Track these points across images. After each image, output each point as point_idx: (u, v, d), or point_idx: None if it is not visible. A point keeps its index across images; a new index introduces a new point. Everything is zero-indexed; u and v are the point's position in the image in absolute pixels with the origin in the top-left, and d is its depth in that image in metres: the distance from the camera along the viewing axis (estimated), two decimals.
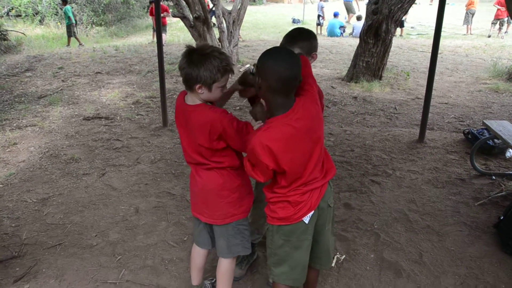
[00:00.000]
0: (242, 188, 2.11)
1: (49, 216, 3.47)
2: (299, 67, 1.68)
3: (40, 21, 17.06)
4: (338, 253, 2.90)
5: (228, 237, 2.17)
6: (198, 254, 2.35)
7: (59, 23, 16.62)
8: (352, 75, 7.90)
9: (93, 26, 17.90)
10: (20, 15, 17.59)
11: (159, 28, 5.46)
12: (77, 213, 3.52)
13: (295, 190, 1.81)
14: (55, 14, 17.28)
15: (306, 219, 1.85)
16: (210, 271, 2.66)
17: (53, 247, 3.06)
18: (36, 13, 17.16)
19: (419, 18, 20.43)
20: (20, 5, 17.36)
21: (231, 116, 1.92)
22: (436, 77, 8.28)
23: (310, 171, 1.79)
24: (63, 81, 8.34)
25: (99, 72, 9.26)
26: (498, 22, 15.34)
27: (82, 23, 17.21)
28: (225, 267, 2.24)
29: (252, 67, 2.06)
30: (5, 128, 5.62)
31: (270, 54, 1.68)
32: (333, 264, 2.78)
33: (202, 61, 1.85)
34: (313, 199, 1.84)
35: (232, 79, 2.11)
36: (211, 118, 1.88)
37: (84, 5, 18.18)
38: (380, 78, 7.79)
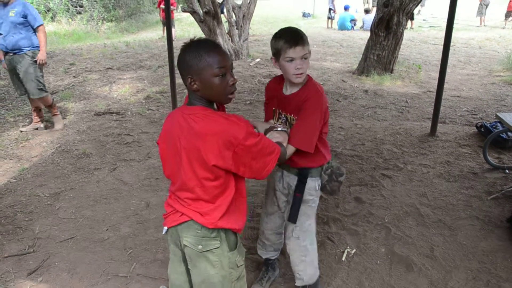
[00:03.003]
0: None
1: (61, 210, 3.51)
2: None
3: (51, 18, 17.20)
4: (348, 247, 2.89)
5: None
6: None
7: (70, 20, 16.74)
8: (363, 69, 7.83)
9: (104, 22, 17.99)
10: None
11: (169, 23, 5.47)
12: (88, 207, 3.55)
13: (169, 194, 1.73)
14: (66, 11, 17.40)
15: (164, 230, 1.72)
16: None
17: (65, 241, 3.10)
18: (48, 10, 17.29)
19: (431, 10, 20.15)
20: (32, 2, 17.52)
21: None
22: (448, 70, 8.16)
23: (178, 184, 1.64)
24: (74, 77, 8.41)
25: (110, 68, 9.32)
26: (511, 13, 15.09)
27: (92, 19, 17.31)
28: None
29: (286, 130, 1.99)
30: (18, 124, 5.70)
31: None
32: (343, 258, 2.77)
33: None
34: (172, 219, 1.67)
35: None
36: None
37: (95, 1, 18.27)
38: (392, 71, 7.71)
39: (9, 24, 4.69)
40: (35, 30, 4.90)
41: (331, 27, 16.84)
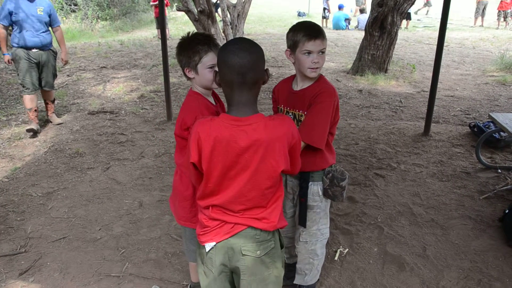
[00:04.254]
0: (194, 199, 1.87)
1: (53, 210, 3.49)
2: (251, 57, 1.43)
3: None
4: (341, 246, 2.90)
5: (186, 240, 2.17)
6: None
7: (64, 18, 16.65)
8: (358, 68, 7.85)
9: (98, 20, 17.91)
10: None
11: (163, 21, 5.47)
12: (81, 207, 3.54)
13: (206, 208, 1.58)
14: (60, 9, 17.30)
15: (208, 247, 1.59)
16: None
17: (57, 241, 3.08)
18: None
19: (425, 11, 20.23)
20: None
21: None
22: (442, 70, 8.20)
23: (227, 196, 1.52)
24: (68, 75, 8.36)
25: (104, 67, 9.28)
26: (502, 13, 15.18)
27: (87, 18, 17.22)
28: (192, 269, 2.24)
29: None
30: (11, 122, 5.66)
31: (225, 44, 1.51)
32: (336, 258, 2.78)
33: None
34: (221, 232, 1.56)
35: None
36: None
37: None
38: (386, 71, 7.74)
39: (37, 21, 4.88)
40: (51, 29, 5.21)
41: (326, 26, 16.85)
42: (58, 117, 5.68)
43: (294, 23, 2.00)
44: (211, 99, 1.98)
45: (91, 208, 3.51)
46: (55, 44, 5.32)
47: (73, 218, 3.38)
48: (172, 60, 9.39)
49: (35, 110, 5.22)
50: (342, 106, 6.14)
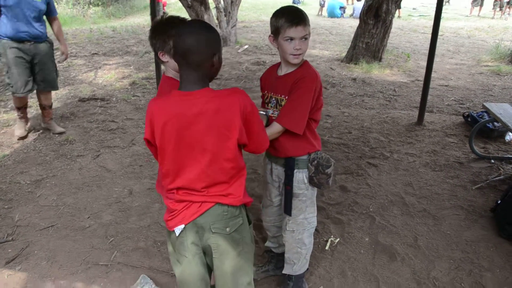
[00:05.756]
0: None
1: (42, 198, 3.44)
2: (195, 40, 1.46)
3: None
4: (332, 236, 2.88)
5: None
6: None
7: (56, 3, 16.35)
8: (352, 57, 7.79)
9: (90, 6, 17.64)
10: None
11: (154, 8, 5.35)
12: (70, 194, 3.48)
13: (171, 192, 1.60)
14: None
15: (177, 230, 1.61)
16: None
17: (45, 229, 3.03)
18: None
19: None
20: None
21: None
22: (436, 59, 8.17)
23: (187, 175, 1.54)
24: (59, 62, 8.20)
25: (95, 53, 9.16)
26: (498, 3, 15.13)
27: (79, 3, 16.95)
28: None
29: (264, 113, 1.99)
30: (0, 109, 5.56)
31: (183, 26, 1.56)
32: (327, 247, 2.76)
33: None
34: (189, 213, 1.58)
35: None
36: None
37: None
38: (380, 60, 7.69)
39: (34, 10, 4.16)
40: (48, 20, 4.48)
41: (321, 14, 16.72)
42: (54, 125, 4.78)
43: (277, 8, 1.95)
44: None
45: (80, 196, 3.46)
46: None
47: (61, 206, 3.32)
48: None
49: (25, 108, 4.56)
50: (335, 95, 6.10)
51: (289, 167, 2.01)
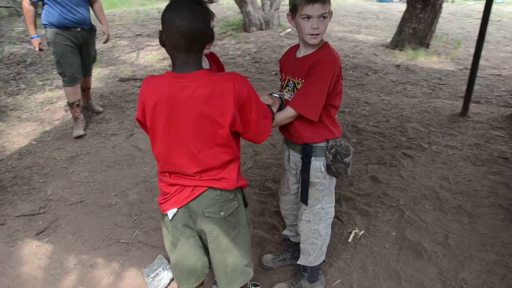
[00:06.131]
0: None
1: (74, 174, 3.54)
2: (200, 21, 1.41)
3: None
4: (357, 228, 2.77)
5: None
6: None
7: None
8: (397, 42, 7.44)
9: None
10: None
11: None
12: (101, 172, 3.57)
13: (164, 175, 1.59)
14: None
15: (170, 214, 1.59)
16: None
17: (74, 204, 3.13)
18: None
19: None
20: None
21: None
22: (489, 47, 7.67)
23: (179, 159, 1.51)
24: (104, 42, 8.42)
25: (139, 35, 9.30)
26: None
27: None
28: None
29: (278, 95, 1.91)
30: (45, 87, 5.79)
31: (171, 7, 1.45)
32: (350, 240, 2.66)
33: None
34: (181, 197, 1.55)
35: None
36: None
37: None
38: (427, 46, 7.29)
39: None
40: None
41: None
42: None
43: None
44: (203, 63, 1.87)
45: (110, 173, 3.53)
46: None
47: (92, 182, 3.41)
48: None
49: (78, 105, 4.32)
50: (376, 82, 5.86)
51: (306, 154, 1.92)
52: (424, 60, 6.85)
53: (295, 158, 2.01)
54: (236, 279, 1.70)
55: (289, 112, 1.82)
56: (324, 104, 1.79)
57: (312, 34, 1.73)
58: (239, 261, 1.68)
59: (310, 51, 1.82)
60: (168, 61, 7.18)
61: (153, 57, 7.40)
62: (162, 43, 1.46)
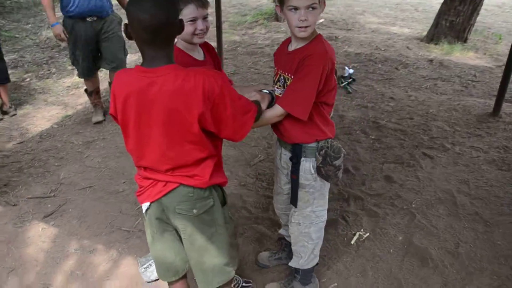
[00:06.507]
0: None
1: (88, 159, 3.59)
2: (162, 14, 1.33)
3: None
4: (362, 229, 2.66)
5: None
6: None
7: None
8: (433, 36, 7.09)
9: None
10: None
11: None
12: (114, 158, 3.60)
13: (139, 168, 1.57)
14: None
15: (144, 207, 1.58)
16: None
17: (84, 189, 3.18)
18: None
19: None
20: None
21: None
22: None
23: (151, 156, 1.48)
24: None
25: None
26: None
27: None
28: None
29: (267, 91, 1.81)
30: (74, 72, 5.87)
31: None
32: (353, 242, 2.55)
33: None
34: (154, 191, 1.53)
35: None
36: None
37: None
38: (465, 41, 6.90)
39: None
40: None
41: None
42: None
43: None
44: (197, 54, 1.81)
45: (122, 160, 3.56)
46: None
47: (103, 168, 3.45)
48: (240, 18, 9.25)
49: (97, 92, 4.29)
50: (405, 76, 5.61)
51: (296, 154, 1.83)
52: (460, 55, 6.50)
53: (286, 157, 1.93)
54: (214, 278, 1.66)
55: (276, 110, 1.72)
56: (315, 101, 1.69)
57: (300, 27, 1.62)
58: (216, 260, 1.63)
59: (300, 44, 1.71)
60: None
61: None
62: (129, 36, 1.40)
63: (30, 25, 8.74)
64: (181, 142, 1.43)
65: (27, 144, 3.90)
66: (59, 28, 3.82)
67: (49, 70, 6.10)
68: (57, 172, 3.42)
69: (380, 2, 11.47)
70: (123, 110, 1.44)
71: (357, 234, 2.60)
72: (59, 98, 5.02)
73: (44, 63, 6.38)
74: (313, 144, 1.80)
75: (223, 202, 1.64)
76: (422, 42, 7.24)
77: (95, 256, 2.51)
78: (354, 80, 5.20)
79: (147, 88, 1.36)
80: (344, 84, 5.09)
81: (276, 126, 1.85)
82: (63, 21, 3.85)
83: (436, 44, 6.92)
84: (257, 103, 1.62)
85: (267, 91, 1.80)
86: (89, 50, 3.95)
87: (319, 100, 1.71)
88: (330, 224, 2.68)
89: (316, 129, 1.78)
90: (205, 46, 1.92)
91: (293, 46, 1.75)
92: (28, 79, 5.78)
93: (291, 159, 1.86)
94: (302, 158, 1.81)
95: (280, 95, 1.77)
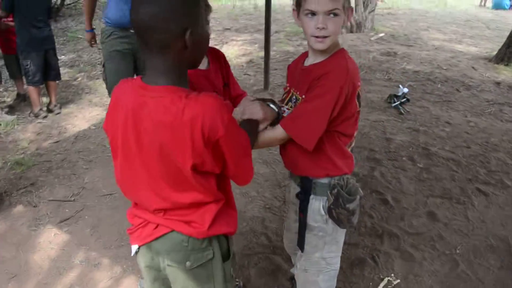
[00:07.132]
0: None
1: None
2: (154, 7, 1.04)
3: None
4: (393, 274, 2.31)
5: None
6: None
7: None
8: (503, 56, 6.47)
9: None
10: None
11: None
12: None
13: (132, 203, 1.31)
14: None
15: (133, 249, 1.32)
16: None
17: (104, 196, 3.09)
18: None
19: None
20: None
21: None
22: None
23: (141, 194, 1.20)
24: None
25: (228, 29, 9.37)
26: None
27: None
28: None
29: (275, 108, 1.52)
30: None
31: None
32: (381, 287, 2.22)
33: None
34: (144, 233, 1.25)
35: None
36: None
37: None
38: None
39: None
40: None
41: (484, 5, 14.52)
42: None
43: None
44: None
45: None
46: None
47: None
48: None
49: None
50: (467, 99, 5.10)
51: (303, 189, 1.53)
52: None
53: (295, 191, 1.64)
54: None
55: (277, 133, 1.43)
56: (329, 130, 1.41)
57: (317, 36, 1.34)
58: None
59: (318, 59, 1.42)
60: (246, 57, 7.06)
61: (233, 52, 7.34)
62: None
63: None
64: (174, 180, 1.15)
65: (61, 144, 3.91)
66: (90, 35, 3.85)
67: (101, 70, 6.23)
68: (83, 175, 3.37)
69: (448, 19, 10.82)
70: (112, 128, 1.19)
71: (386, 279, 2.26)
72: (103, 100, 5.06)
73: (99, 64, 6.52)
74: (325, 180, 1.50)
75: (226, 256, 1.32)
76: (490, 62, 6.64)
77: (98, 271, 2.38)
78: (408, 100, 4.78)
79: (139, 108, 1.10)
80: (396, 104, 4.71)
81: (283, 152, 1.59)
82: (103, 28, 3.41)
83: (506, 65, 6.31)
84: (251, 127, 1.37)
85: (275, 108, 1.52)
86: (122, 67, 3.39)
87: (333, 129, 1.42)
88: (356, 263, 2.37)
89: (328, 162, 1.48)
90: (214, 52, 1.71)
91: (309, 61, 1.48)
92: (79, 79, 5.94)
93: (298, 194, 1.58)
94: (311, 196, 1.53)
95: None
